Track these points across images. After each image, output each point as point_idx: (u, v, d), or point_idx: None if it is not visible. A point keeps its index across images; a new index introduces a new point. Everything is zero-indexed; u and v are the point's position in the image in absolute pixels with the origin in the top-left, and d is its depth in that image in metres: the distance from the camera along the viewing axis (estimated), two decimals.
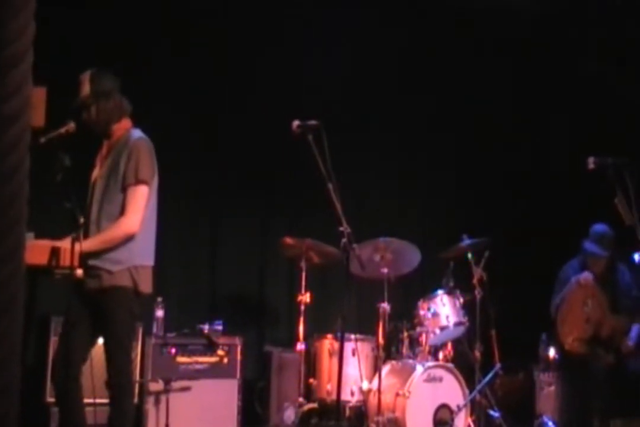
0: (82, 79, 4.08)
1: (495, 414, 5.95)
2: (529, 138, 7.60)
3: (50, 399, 5.08)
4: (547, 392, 6.29)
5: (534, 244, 7.28)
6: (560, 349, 6.10)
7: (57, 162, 3.76)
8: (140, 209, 3.99)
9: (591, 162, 4.80)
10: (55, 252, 3.73)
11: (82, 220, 3.76)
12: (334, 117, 6.09)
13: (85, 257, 3.80)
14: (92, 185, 4.15)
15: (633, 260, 4.86)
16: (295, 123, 4.32)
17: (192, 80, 6.49)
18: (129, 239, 3.98)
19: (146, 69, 6.22)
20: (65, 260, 3.72)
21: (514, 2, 7.09)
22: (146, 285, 4.06)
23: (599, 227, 5.98)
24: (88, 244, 3.85)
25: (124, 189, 4.00)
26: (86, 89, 4.06)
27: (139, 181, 4.00)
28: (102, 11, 6.04)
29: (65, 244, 3.77)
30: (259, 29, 6.72)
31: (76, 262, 3.72)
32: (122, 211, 3.99)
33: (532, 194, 7.45)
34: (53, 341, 5.21)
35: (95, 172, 4.18)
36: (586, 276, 5.99)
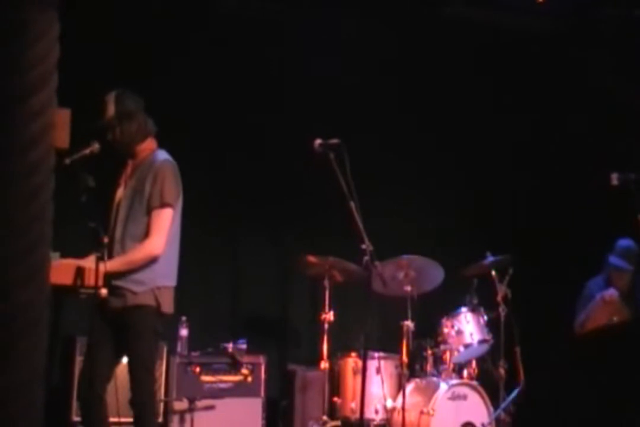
0: (106, 100, 4.14)
1: None
2: (552, 154, 7.56)
3: (76, 418, 5.10)
4: None
5: (557, 261, 7.23)
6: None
7: (82, 183, 3.80)
8: (164, 231, 4.03)
9: (615, 179, 4.79)
10: (80, 272, 3.78)
11: (106, 239, 3.80)
12: (355, 136, 6.12)
13: (109, 277, 3.84)
14: (116, 205, 4.20)
15: None
16: (317, 142, 4.35)
17: (212, 99, 6.53)
18: (153, 260, 4.01)
19: (163, 87, 6.27)
20: (89, 279, 3.77)
21: (518, 19, 7.12)
22: (168, 305, 4.09)
23: (624, 242, 5.95)
24: (113, 265, 3.90)
25: (149, 211, 4.04)
26: (111, 110, 4.11)
27: (164, 204, 4.04)
28: (126, 33, 6.13)
29: (89, 263, 3.81)
30: (268, 45, 6.78)
31: (100, 282, 3.76)
32: (146, 233, 4.03)
33: (556, 211, 7.40)
34: (78, 361, 5.24)
35: (120, 192, 4.23)
36: (611, 293, 5.95)
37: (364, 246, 4.24)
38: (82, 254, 3.91)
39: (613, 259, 5.95)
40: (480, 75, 7.32)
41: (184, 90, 6.42)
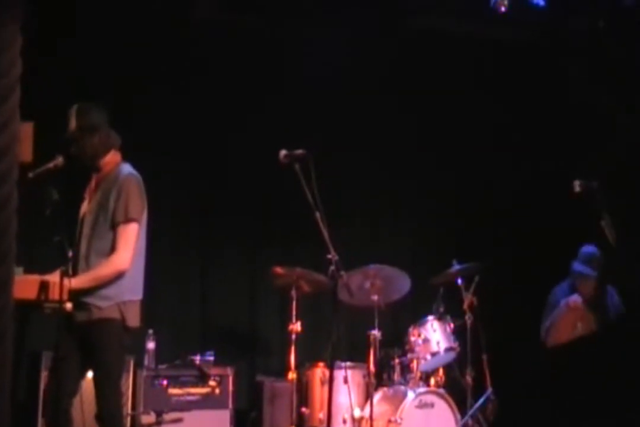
0: (69, 113, 4.12)
1: None
2: (517, 162, 7.64)
3: None
4: None
5: (523, 268, 7.29)
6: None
7: (46, 196, 3.78)
8: (130, 246, 4.01)
9: (577, 186, 4.85)
10: (44, 286, 3.75)
11: (70, 253, 3.78)
12: (323, 143, 6.16)
13: (75, 293, 3.81)
14: (80, 220, 4.17)
15: None
16: (283, 153, 4.35)
17: (181, 112, 6.54)
18: (119, 276, 3.99)
19: (133, 99, 6.28)
20: (54, 294, 3.75)
21: (495, 30, 7.19)
22: (134, 319, 4.06)
23: (588, 249, 6.01)
24: (79, 282, 3.87)
25: (114, 227, 4.02)
26: (73, 123, 4.09)
27: (128, 219, 4.02)
28: (91, 45, 6.11)
29: (54, 278, 3.78)
30: (252, 53, 6.81)
31: (65, 296, 3.73)
32: (112, 248, 4.00)
33: (520, 219, 7.47)
34: (44, 376, 5.19)
35: (84, 207, 4.20)
36: (575, 299, 6.01)
37: (329, 256, 4.25)
38: (46, 268, 3.88)
39: (577, 266, 6.02)
40: (460, 85, 7.39)
41: (161, 104, 6.43)
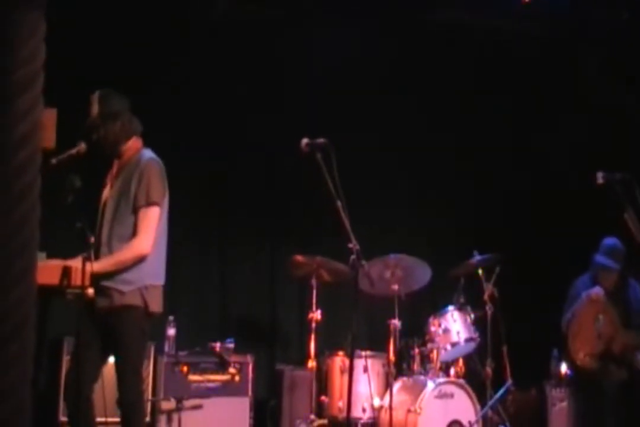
0: (91, 99, 4.13)
1: None
2: (541, 154, 7.60)
3: (63, 419, 5.10)
4: (559, 408, 6.26)
5: (544, 259, 7.27)
6: (571, 365, 6.07)
7: (68, 183, 3.80)
8: (152, 230, 4.03)
9: (600, 177, 4.81)
10: (66, 272, 3.76)
11: (92, 239, 3.80)
12: (344, 134, 6.15)
13: (96, 277, 3.83)
14: (102, 206, 4.19)
15: None
16: (304, 141, 4.34)
17: (199, 102, 6.55)
18: (141, 260, 4.01)
19: (156, 89, 6.29)
20: (76, 280, 3.75)
21: (509, 22, 7.14)
22: (156, 304, 4.08)
23: (610, 241, 5.98)
24: (100, 266, 3.89)
25: (135, 211, 4.03)
26: (95, 110, 4.11)
27: (150, 203, 4.03)
28: (114, 35, 6.14)
29: (76, 263, 3.80)
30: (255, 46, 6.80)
31: (87, 282, 3.75)
32: (134, 233, 4.02)
33: (543, 210, 7.44)
34: (65, 361, 5.24)
35: (106, 192, 4.22)
36: (597, 291, 5.98)
37: (350, 245, 4.24)
38: (69, 255, 3.90)
39: (599, 258, 5.98)
40: (471, 78, 7.36)
41: (179, 92, 6.44)
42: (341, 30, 6.78)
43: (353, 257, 4.22)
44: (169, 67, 6.48)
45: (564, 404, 6.26)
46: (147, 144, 4.26)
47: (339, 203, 4.17)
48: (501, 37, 7.33)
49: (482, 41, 7.29)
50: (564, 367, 6.21)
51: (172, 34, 6.49)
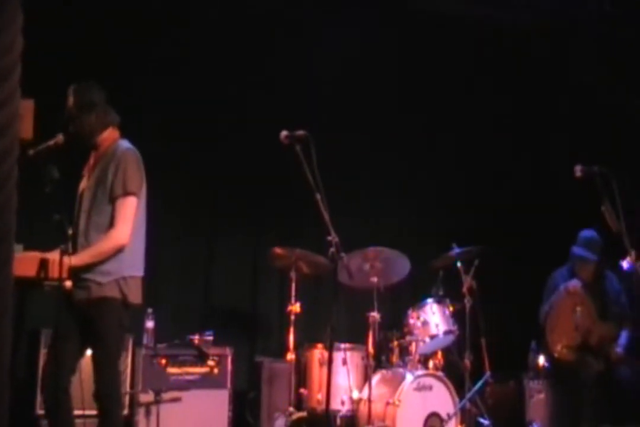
0: (68, 92, 4.13)
1: (485, 422, 5.96)
2: (519, 147, 7.63)
3: (40, 411, 5.06)
4: (537, 400, 6.31)
5: (522, 252, 7.31)
6: (549, 357, 6.11)
7: (46, 174, 3.78)
8: (129, 220, 4.01)
9: (578, 170, 4.84)
10: (44, 264, 3.74)
11: (70, 231, 3.78)
12: (324, 125, 6.15)
13: (75, 269, 3.81)
14: (79, 197, 4.17)
15: (621, 267, 4.89)
16: (284, 133, 4.33)
17: (183, 94, 6.52)
18: (119, 250, 3.99)
19: (137, 80, 6.25)
20: (54, 272, 3.73)
21: (503, 14, 7.15)
22: (135, 296, 4.06)
23: (587, 233, 6.02)
24: (79, 259, 3.87)
25: (113, 201, 4.01)
26: (71, 101, 4.11)
27: (127, 193, 4.01)
28: (93, 24, 6.09)
29: (54, 255, 3.78)
30: (252, 39, 6.77)
31: (65, 274, 3.73)
32: (111, 223, 4.00)
33: (521, 203, 7.48)
34: (43, 353, 5.19)
35: (83, 183, 4.20)
36: (575, 284, 6.02)
37: (329, 238, 4.24)
38: (46, 246, 3.88)
39: (577, 250, 6.02)
40: (458, 70, 7.37)
41: (161, 84, 6.40)
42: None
43: (332, 249, 4.23)
44: (161, 59, 6.47)
45: (542, 395, 6.30)
46: (129, 134, 4.25)
47: (318, 195, 4.17)
48: (486, 28, 7.33)
49: (470, 33, 7.28)
50: (541, 360, 6.24)
51: (169, 30, 6.47)
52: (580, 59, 7.31)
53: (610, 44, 7.06)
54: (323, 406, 5.55)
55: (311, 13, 6.87)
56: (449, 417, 5.65)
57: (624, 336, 5.96)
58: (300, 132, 4.28)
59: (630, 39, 6.87)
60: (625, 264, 4.84)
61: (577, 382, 5.87)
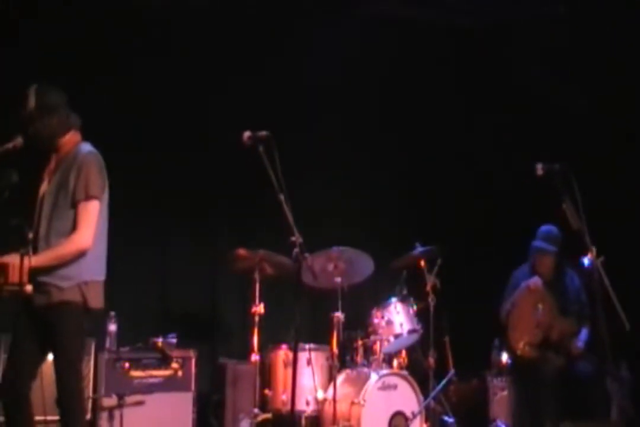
0: (27, 93, 4.05)
1: (449, 420, 6.00)
2: (480, 146, 7.67)
3: (0, 418, 4.99)
4: (500, 397, 6.35)
5: (485, 251, 7.36)
6: (512, 354, 6.15)
7: (4, 178, 3.72)
8: (92, 224, 3.96)
9: (539, 169, 4.88)
10: (3, 269, 3.69)
11: (30, 236, 3.72)
12: (285, 126, 6.13)
13: (34, 273, 3.76)
14: (39, 201, 4.10)
15: (582, 264, 4.94)
16: (246, 134, 4.31)
17: (139, 94, 6.46)
18: (81, 254, 3.94)
19: (93, 80, 6.19)
20: (14, 276, 3.69)
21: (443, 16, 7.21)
22: (97, 300, 4.02)
23: (545, 227, 6.08)
24: (39, 260, 3.82)
25: (75, 205, 3.96)
26: (31, 103, 4.02)
27: (89, 196, 3.96)
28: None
29: (13, 259, 3.72)
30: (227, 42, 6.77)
31: (25, 279, 3.68)
32: (73, 227, 3.95)
33: (483, 202, 7.53)
34: (3, 359, 5.13)
35: (43, 187, 4.13)
36: (535, 281, 6.07)
37: (293, 238, 4.24)
38: (5, 251, 3.82)
39: (536, 243, 6.08)
40: (409, 70, 7.38)
41: (118, 84, 6.35)
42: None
43: (296, 250, 4.22)
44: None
45: (505, 393, 6.34)
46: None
47: (281, 196, 4.16)
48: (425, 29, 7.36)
49: (418, 34, 7.31)
50: (504, 357, 6.29)
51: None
52: (523, 59, 7.37)
53: (553, 43, 7.13)
54: (288, 407, 5.55)
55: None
56: (414, 415, 5.66)
57: (583, 332, 6.02)
58: (263, 133, 4.27)
59: (574, 37, 6.94)
60: (585, 260, 4.89)
61: (539, 378, 5.91)
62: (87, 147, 4.12)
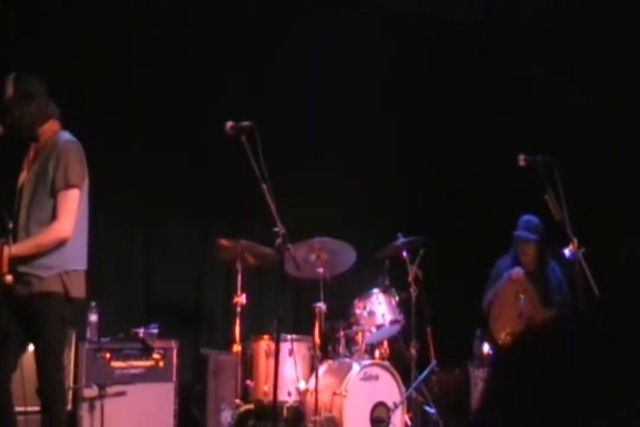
0: (6, 81, 4.01)
1: (431, 410, 6.01)
2: (464, 137, 7.68)
3: None
4: (482, 387, 6.37)
5: (467, 241, 7.37)
6: (493, 345, 6.17)
7: None
8: (72, 213, 3.93)
9: (522, 160, 4.89)
10: None
11: (10, 225, 3.69)
12: (273, 116, 6.11)
13: (15, 263, 3.74)
14: (19, 190, 4.07)
15: (563, 255, 4.96)
16: (229, 124, 4.30)
17: (127, 82, 6.41)
18: (61, 244, 3.91)
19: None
20: None
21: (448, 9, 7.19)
22: (78, 290, 3.99)
23: (527, 216, 6.10)
24: (19, 248, 3.79)
25: (54, 194, 3.93)
26: (10, 91, 3.99)
27: (69, 185, 3.93)
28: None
29: None
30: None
31: (5, 269, 3.65)
32: (53, 216, 3.92)
33: (466, 193, 7.54)
34: None
35: (23, 177, 4.10)
36: (517, 271, 6.09)
37: (276, 229, 4.23)
38: None
39: (518, 232, 6.10)
40: (408, 63, 7.37)
41: (108, 72, 6.30)
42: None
43: (279, 240, 4.21)
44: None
45: None
46: (65, 128, 4.16)
47: (264, 186, 4.14)
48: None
49: (414, 27, 7.29)
50: (486, 347, 6.30)
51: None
52: (523, 51, 7.37)
53: (552, 36, 7.13)
54: (270, 398, 5.54)
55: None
56: (396, 406, 5.67)
57: None
58: (246, 123, 4.25)
59: (573, 31, 6.94)
60: (567, 251, 4.91)
61: None
62: (66, 135, 4.08)
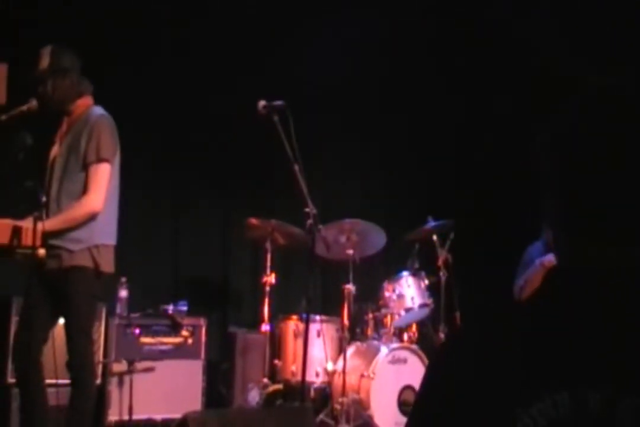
0: (42, 52, 4.02)
1: None
2: (493, 121, 7.60)
3: (12, 380, 5.01)
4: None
5: (498, 226, 7.31)
6: None
7: (19, 140, 3.70)
8: (103, 187, 3.95)
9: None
10: (16, 232, 3.69)
11: (44, 199, 3.72)
12: (301, 99, 6.07)
13: (46, 236, 3.76)
14: (51, 163, 4.09)
15: None
16: (261, 103, 4.28)
17: (156, 66, 6.43)
18: (92, 218, 3.93)
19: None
20: (27, 239, 3.69)
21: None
22: (108, 265, 4.01)
23: None
24: (51, 223, 3.81)
25: (85, 167, 3.95)
26: (45, 63, 4.00)
27: (100, 159, 3.95)
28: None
29: (27, 223, 3.72)
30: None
31: (38, 242, 3.68)
32: (84, 190, 3.94)
33: (498, 176, 7.46)
34: (14, 321, 5.15)
35: (55, 150, 4.12)
36: (550, 258, 6.00)
37: (307, 209, 4.22)
38: (19, 214, 3.82)
39: None
40: (419, 54, 7.30)
41: (134, 57, 6.32)
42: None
43: (310, 221, 4.20)
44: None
45: None
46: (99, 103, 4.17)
47: (296, 166, 4.13)
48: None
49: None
50: None
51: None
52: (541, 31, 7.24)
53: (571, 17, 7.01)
54: (297, 378, 5.55)
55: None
56: None
57: None
58: (279, 103, 4.23)
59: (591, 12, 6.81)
60: None
61: None
62: (99, 110, 4.09)
